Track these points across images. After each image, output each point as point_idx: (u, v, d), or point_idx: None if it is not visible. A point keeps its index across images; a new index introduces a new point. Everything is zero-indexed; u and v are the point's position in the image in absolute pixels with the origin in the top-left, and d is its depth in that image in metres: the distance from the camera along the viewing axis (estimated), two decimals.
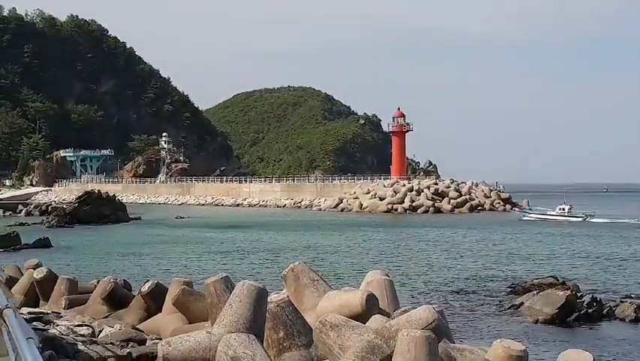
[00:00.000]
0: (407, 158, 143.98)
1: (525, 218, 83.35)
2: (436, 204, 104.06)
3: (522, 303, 24.11)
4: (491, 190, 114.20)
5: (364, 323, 11.66)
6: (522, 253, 45.42)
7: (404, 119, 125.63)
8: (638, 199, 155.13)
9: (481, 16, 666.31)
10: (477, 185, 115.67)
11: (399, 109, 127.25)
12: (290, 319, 11.32)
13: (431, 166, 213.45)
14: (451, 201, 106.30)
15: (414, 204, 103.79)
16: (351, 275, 33.39)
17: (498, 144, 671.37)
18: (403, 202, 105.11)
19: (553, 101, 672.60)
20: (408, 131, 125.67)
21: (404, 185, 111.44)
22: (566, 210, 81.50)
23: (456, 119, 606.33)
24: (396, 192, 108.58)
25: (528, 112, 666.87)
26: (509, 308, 24.27)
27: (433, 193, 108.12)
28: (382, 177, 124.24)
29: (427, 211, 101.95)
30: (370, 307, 12.19)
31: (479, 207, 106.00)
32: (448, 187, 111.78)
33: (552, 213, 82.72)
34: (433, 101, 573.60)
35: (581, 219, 78.18)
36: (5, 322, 6.66)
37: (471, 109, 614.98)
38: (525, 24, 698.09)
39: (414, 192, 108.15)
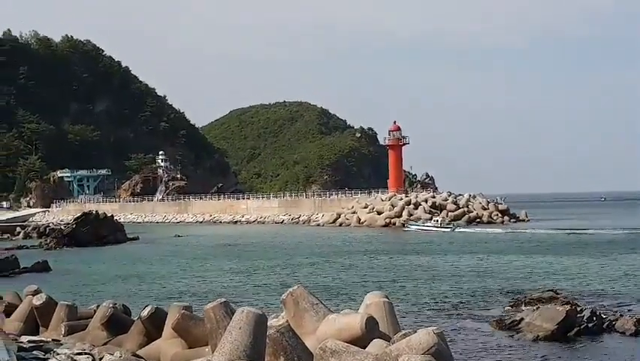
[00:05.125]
0: (404, 171, 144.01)
1: (406, 229, 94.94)
2: (433, 218, 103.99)
3: (522, 319, 24.06)
4: (489, 202, 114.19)
5: (364, 347, 11.67)
6: (515, 268, 45.45)
7: (400, 133, 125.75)
8: (623, 209, 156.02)
9: (476, 26, 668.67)
10: (474, 197, 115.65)
11: (395, 122, 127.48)
12: (290, 344, 11.33)
13: (428, 178, 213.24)
14: (449, 213, 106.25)
15: (412, 217, 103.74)
16: (351, 296, 33.32)
17: (497, 155, 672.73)
18: (400, 216, 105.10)
19: (553, 111, 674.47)
20: (404, 144, 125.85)
21: (401, 198, 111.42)
22: (439, 222, 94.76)
23: (453, 130, 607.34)
24: (393, 206, 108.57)
25: (528, 122, 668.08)
26: (509, 325, 24.24)
27: (430, 206, 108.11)
28: (380, 191, 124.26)
29: None
30: (370, 330, 12.18)
31: (477, 220, 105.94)
32: (446, 200, 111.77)
33: (429, 224, 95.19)
34: (429, 113, 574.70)
35: (449, 229, 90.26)
36: None
37: (468, 120, 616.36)
38: (522, 31, 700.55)
39: (411, 206, 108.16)
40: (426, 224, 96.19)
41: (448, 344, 12.18)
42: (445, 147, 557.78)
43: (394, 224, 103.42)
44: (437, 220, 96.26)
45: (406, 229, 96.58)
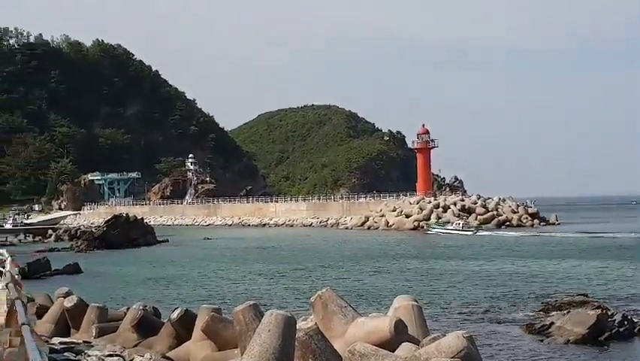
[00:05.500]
0: (432, 174, 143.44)
1: (429, 232, 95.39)
2: (469, 221, 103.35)
3: (552, 323, 23.84)
4: (518, 205, 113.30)
5: (393, 350, 11.66)
6: (547, 271, 45.07)
7: (429, 136, 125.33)
8: None
9: (505, 29, 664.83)
10: (504, 200, 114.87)
11: (423, 125, 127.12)
12: (319, 347, 11.35)
13: (457, 182, 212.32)
14: (478, 217, 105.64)
15: (440, 220, 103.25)
16: (379, 300, 33.26)
17: (527, 157, 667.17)
18: (429, 219, 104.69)
19: (585, 112, 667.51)
20: (432, 147, 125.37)
21: (430, 202, 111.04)
22: (461, 225, 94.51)
23: (482, 133, 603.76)
24: (422, 209, 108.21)
25: (558, 123, 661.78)
26: (540, 329, 24.04)
27: (459, 210, 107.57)
28: (408, 194, 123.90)
29: None
30: (399, 333, 12.17)
31: (507, 223, 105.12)
32: (475, 203, 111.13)
33: (450, 228, 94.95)
34: (458, 116, 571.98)
35: (470, 232, 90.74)
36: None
37: (497, 122, 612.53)
38: (551, 34, 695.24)
39: (440, 209, 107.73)
40: (446, 227, 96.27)
41: (478, 348, 12.14)
42: (475, 150, 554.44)
43: (422, 227, 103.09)
44: (458, 223, 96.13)
45: (428, 232, 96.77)
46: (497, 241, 75.42)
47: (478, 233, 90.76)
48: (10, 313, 9.40)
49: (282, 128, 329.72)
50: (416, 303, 13.97)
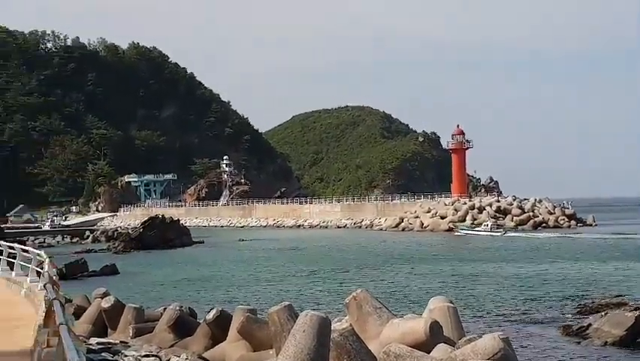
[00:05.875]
0: (468, 175, 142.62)
1: (457, 233, 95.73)
2: (498, 222, 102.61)
3: (589, 325, 23.55)
4: (555, 207, 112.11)
5: (428, 352, 11.63)
6: (585, 273, 44.56)
7: (464, 137, 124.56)
8: None
9: (541, 30, 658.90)
10: (540, 201, 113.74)
11: (458, 126, 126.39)
12: (354, 348, 11.35)
13: (492, 182, 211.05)
14: (514, 218, 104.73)
15: (475, 222, 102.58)
16: (414, 301, 33.16)
17: (564, 157, 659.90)
18: (464, 220, 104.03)
19: (622, 112, 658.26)
20: (467, 148, 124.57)
21: (465, 203, 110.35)
22: (489, 227, 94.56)
23: (517, 133, 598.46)
24: (457, 211, 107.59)
25: (596, 124, 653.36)
26: (577, 331, 23.77)
27: (495, 211, 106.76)
28: (443, 195, 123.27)
29: None
30: (434, 335, 12.13)
31: (543, 224, 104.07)
32: (511, 204, 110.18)
33: (478, 229, 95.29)
34: (493, 116, 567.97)
35: (499, 234, 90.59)
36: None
37: (533, 122, 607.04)
38: (588, 37, 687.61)
39: (475, 210, 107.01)
40: (475, 228, 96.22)
41: (514, 349, 12.04)
42: (510, 150, 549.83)
43: (452, 229, 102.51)
44: (487, 225, 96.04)
45: (457, 233, 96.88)
46: (529, 243, 74.64)
47: (506, 234, 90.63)
48: (48, 314, 9.55)
49: (317, 130, 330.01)
50: (451, 304, 13.92)
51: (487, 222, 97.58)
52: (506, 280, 40.94)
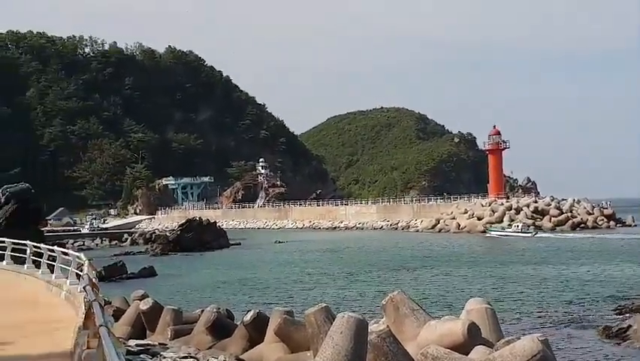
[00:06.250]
0: (504, 175, 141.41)
1: (488, 235, 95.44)
2: (536, 223, 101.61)
3: (630, 326, 23.18)
4: (594, 207, 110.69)
5: (466, 354, 11.56)
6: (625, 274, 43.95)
7: (500, 137, 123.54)
8: None
9: (575, 28, 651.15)
10: (579, 202, 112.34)
11: (494, 126, 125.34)
12: (391, 350, 11.33)
13: (530, 183, 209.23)
14: (552, 219, 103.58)
15: (513, 223, 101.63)
16: (451, 303, 32.97)
17: (603, 157, 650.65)
18: (501, 221, 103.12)
19: None
20: (504, 149, 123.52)
21: (502, 204, 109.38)
22: (520, 228, 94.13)
23: (555, 133, 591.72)
24: (494, 212, 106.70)
25: (635, 122, 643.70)
26: (616, 332, 23.44)
27: (532, 211, 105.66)
28: (480, 196, 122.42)
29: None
30: (472, 337, 12.06)
31: (581, 225, 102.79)
32: (549, 205, 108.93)
33: (509, 230, 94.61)
34: (529, 116, 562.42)
35: (529, 235, 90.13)
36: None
37: (570, 122, 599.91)
38: (623, 33, 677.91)
39: (512, 211, 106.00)
40: (506, 230, 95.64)
41: (553, 351, 11.92)
42: (548, 150, 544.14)
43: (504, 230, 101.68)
44: (517, 226, 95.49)
45: (486, 234, 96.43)
46: (565, 244, 73.64)
47: (537, 235, 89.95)
48: (88, 316, 9.68)
49: (352, 132, 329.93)
50: (489, 306, 13.83)
51: (517, 224, 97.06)
52: (544, 282, 40.55)
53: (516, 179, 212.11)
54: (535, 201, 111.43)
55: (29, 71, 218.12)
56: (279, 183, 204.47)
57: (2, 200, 44.09)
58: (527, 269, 48.40)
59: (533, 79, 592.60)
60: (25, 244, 24.95)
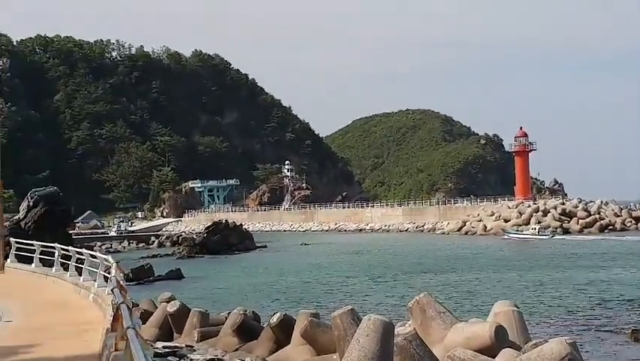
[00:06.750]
0: (531, 177, 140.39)
1: (505, 237, 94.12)
2: (563, 225, 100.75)
3: None
4: (622, 209, 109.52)
5: (493, 357, 11.50)
6: None
7: (527, 139, 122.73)
8: None
9: (600, 30, 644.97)
10: (607, 204, 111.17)
11: (521, 128, 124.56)
12: (418, 353, 11.31)
13: (557, 185, 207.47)
14: (580, 221, 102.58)
15: (540, 225, 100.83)
16: (478, 305, 32.80)
17: (631, 158, 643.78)
18: (528, 223, 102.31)
19: None
20: (531, 150, 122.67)
21: (529, 206, 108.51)
22: (537, 230, 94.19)
23: (581, 134, 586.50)
24: (521, 214, 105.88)
25: None
26: None
27: (560, 214, 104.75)
28: (506, 198, 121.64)
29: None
30: (500, 339, 12.00)
31: (609, 227, 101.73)
32: (576, 207, 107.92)
33: (526, 232, 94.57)
34: (556, 118, 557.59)
35: (547, 237, 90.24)
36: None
37: (597, 122, 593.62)
38: None
39: (540, 213, 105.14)
40: (523, 232, 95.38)
41: (581, 354, 11.82)
42: (576, 152, 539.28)
43: (522, 232, 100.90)
44: (534, 228, 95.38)
45: (504, 237, 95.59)
46: (592, 247, 72.77)
47: (554, 238, 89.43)
48: (116, 318, 9.77)
49: (377, 134, 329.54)
50: (516, 308, 13.74)
51: (534, 226, 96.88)
52: (571, 284, 40.21)
53: (543, 181, 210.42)
54: (563, 204, 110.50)
55: (57, 75, 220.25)
56: (304, 185, 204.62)
57: (31, 203, 44.60)
58: (554, 272, 48.01)
59: (559, 80, 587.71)
60: (53, 247, 25.19)
